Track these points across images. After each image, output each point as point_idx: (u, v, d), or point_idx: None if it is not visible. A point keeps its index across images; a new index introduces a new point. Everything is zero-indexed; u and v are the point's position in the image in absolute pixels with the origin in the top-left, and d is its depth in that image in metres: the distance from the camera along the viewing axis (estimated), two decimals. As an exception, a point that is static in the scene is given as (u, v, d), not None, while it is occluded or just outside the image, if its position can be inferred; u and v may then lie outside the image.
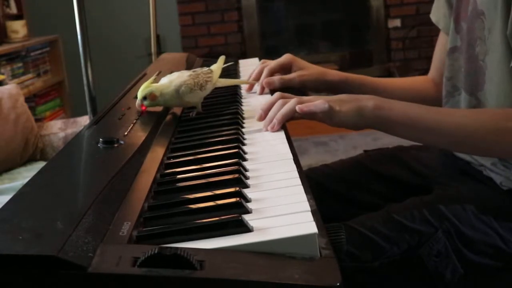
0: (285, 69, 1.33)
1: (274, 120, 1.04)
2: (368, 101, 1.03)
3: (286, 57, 1.34)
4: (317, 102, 1.01)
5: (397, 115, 1.03)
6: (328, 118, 1.02)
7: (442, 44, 1.34)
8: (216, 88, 1.22)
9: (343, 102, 1.03)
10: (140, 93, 1.08)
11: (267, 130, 1.05)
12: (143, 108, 1.09)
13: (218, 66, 1.21)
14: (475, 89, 1.15)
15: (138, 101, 1.08)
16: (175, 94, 1.09)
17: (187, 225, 0.67)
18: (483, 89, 1.13)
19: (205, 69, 1.17)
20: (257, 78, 1.34)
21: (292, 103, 1.03)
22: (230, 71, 1.59)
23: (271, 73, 1.32)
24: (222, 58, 1.24)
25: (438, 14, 1.34)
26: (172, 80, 1.10)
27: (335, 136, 3.80)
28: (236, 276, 0.57)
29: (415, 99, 1.18)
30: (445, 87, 1.27)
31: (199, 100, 1.15)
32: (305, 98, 1.06)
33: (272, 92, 1.28)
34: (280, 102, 1.05)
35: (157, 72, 1.11)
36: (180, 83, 1.09)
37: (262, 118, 1.08)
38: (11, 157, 2.36)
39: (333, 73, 1.32)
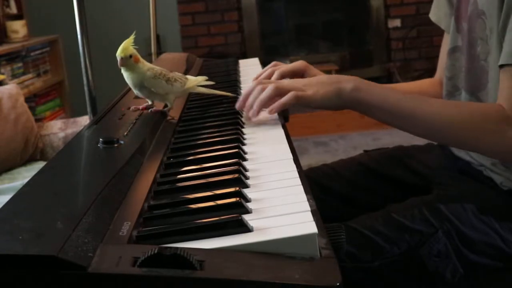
0: (297, 75, 1.25)
1: (254, 107, 1.05)
2: (347, 83, 1.04)
3: (300, 64, 1.25)
4: (284, 98, 1.03)
5: (374, 99, 1.03)
6: (305, 104, 1.04)
7: (447, 44, 1.33)
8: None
9: (321, 85, 1.04)
10: (125, 50, 1.06)
11: (248, 117, 1.07)
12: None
13: (195, 79, 1.18)
14: (476, 89, 1.15)
15: (123, 57, 1.07)
16: (141, 76, 1.08)
17: (187, 225, 0.67)
18: (485, 88, 1.12)
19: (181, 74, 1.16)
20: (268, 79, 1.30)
21: (270, 88, 1.04)
22: (230, 71, 1.59)
23: (282, 77, 1.23)
24: (204, 77, 1.21)
25: (439, 13, 1.33)
26: (149, 66, 1.10)
27: (335, 136, 3.80)
28: (236, 276, 0.57)
29: None
30: (446, 86, 1.27)
31: (162, 92, 1.10)
32: (283, 82, 1.08)
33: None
34: (258, 88, 1.07)
35: (134, 32, 1.10)
36: (150, 68, 1.09)
37: (241, 106, 1.09)
38: (11, 157, 2.36)
39: None
